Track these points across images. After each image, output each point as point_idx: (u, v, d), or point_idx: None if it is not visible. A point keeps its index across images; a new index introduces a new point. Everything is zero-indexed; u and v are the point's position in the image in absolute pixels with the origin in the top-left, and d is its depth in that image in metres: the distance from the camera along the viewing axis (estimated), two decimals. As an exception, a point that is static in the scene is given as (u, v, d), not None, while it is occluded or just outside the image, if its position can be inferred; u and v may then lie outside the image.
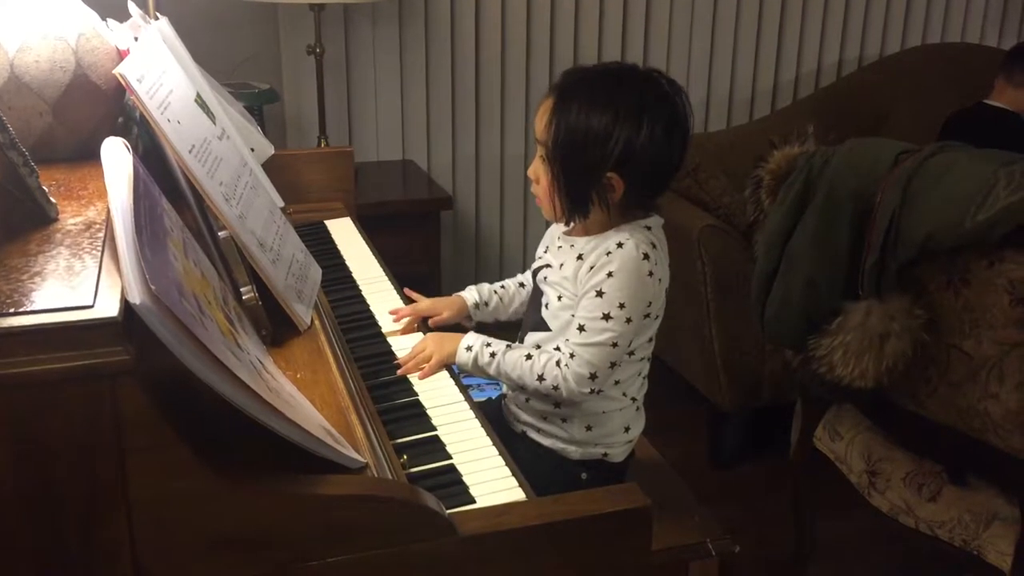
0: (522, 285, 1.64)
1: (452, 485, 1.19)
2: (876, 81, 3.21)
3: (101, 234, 0.99)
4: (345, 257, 1.87)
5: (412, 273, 2.21)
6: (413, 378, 1.43)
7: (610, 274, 1.38)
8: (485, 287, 1.65)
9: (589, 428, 1.49)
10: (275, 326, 1.28)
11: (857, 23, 3.36)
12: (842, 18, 3.34)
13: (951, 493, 1.72)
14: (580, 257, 1.43)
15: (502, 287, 1.65)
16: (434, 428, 1.31)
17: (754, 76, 3.31)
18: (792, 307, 1.71)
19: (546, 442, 1.51)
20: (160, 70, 1.25)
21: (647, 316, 1.43)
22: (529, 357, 1.43)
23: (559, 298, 1.46)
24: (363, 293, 1.71)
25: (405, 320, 1.59)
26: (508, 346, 1.46)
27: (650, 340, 1.48)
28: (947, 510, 1.72)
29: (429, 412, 1.35)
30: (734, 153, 2.77)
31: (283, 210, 1.56)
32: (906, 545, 1.85)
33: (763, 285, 1.77)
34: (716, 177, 2.55)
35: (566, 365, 1.40)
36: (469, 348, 1.45)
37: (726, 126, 3.28)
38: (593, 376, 1.40)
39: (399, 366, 1.44)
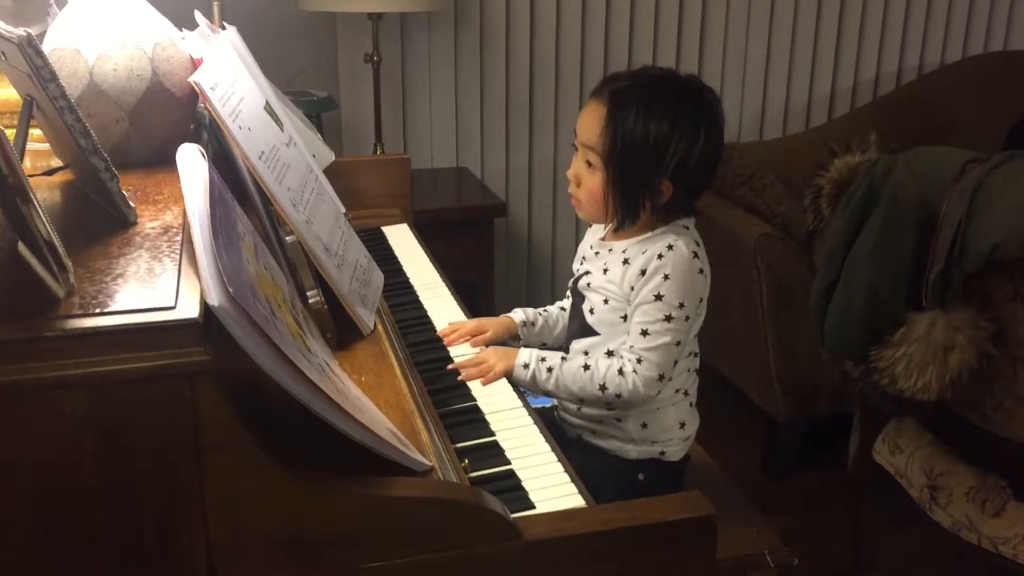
0: (563, 309, 1.66)
1: (512, 490, 1.19)
2: (937, 90, 3.16)
3: (179, 238, 1.02)
4: (402, 263, 1.89)
5: (466, 279, 2.23)
6: (471, 384, 1.44)
7: (666, 276, 1.41)
8: (530, 310, 1.66)
9: (645, 425, 1.50)
10: (339, 330, 1.30)
11: (917, 31, 3.32)
12: (902, 26, 3.29)
13: (1016, 509, 1.69)
14: (626, 261, 1.45)
15: (545, 311, 1.66)
16: (493, 433, 1.32)
17: (811, 84, 3.28)
18: (853, 317, 1.69)
19: (603, 444, 1.53)
20: (232, 78, 1.28)
21: (697, 312, 1.46)
22: (587, 367, 1.44)
23: (605, 301, 1.48)
24: (420, 299, 1.73)
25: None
26: (563, 358, 1.47)
27: (695, 336, 1.51)
28: (1011, 526, 1.68)
29: (488, 417, 1.36)
30: (791, 161, 2.75)
31: (344, 216, 1.59)
32: (968, 561, 1.82)
33: (823, 295, 1.75)
34: (772, 185, 2.53)
35: (633, 371, 1.41)
36: (526, 366, 1.46)
37: (782, 134, 3.26)
38: (662, 377, 1.43)
39: (457, 371, 1.45)
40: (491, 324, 1.59)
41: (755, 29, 3.16)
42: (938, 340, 1.56)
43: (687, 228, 1.47)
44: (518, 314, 1.64)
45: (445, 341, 1.56)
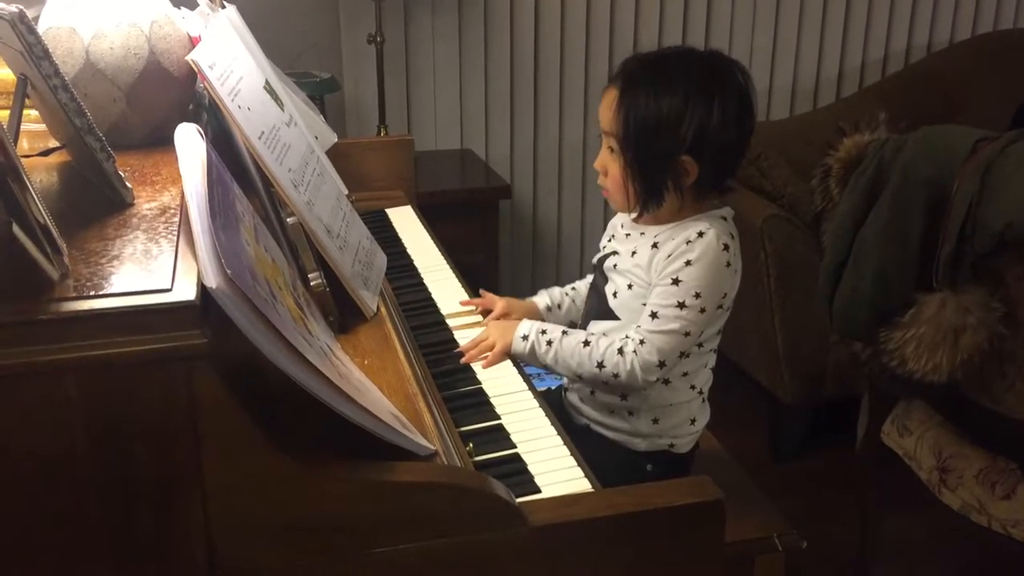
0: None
1: (517, 474, 1.18)
2: (947, 68, 3.12)
3: (176, 219, 1.00)
4: (406, 245, 1.88)
5: (471, 261, 2.21)
6: (476, 366, 1.43)
7: (688, 263, 1.37)
8: (556, 290, 1.64)
9: (656, 421, 1.47)
10: (342, 313, 1.28)
11: (926, 8, 3.27)
12: (911, 3, 3.25)
13: (1026, 492, 1.67)
14: (655, 246, 1.41)
15: (573, 289, 1.64)
16: (498, 417, 1.31)
17: (819, 63, 3.24)
18: (862, 299, 1.67)
19: (611, 435, 1.50)
20: (231, 57, 1.26)
21: (720, 307, 1.41)
22: (587, 344, 1.41)
23: (629, 286, 1.45)
24: (424, 281, 1.72)
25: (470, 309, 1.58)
26: (564, 332, 1.45)
27: (719, 332, 1.47)
28: (1021, 508, 1.67)
29: (492, 401, 1.35)
30: (798, 141, 2.72)
31: (347, 197, 1.57)
32: (977, 544, 1.80)
33: (832, 276, 1.73)
34: (780, 166, 2.51)
35: (633, 351, 1.38)
36: (525, 337, 1.44)
37: (789, 114, 3.22)
38: (661, 364, 1.38)
39: (462, 354, 1.44)
40: (518, 308, 1.58)
41: (762, 6, 3.12)
42: (949, 321, 1.54)
43: (724, 219, 1.43)
44: (543, 298, 1.63)
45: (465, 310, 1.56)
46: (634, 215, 1.47)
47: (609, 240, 1.53)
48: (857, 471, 2.04)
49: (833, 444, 2.44)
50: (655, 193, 1.40)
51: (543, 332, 1.44)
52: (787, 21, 3.16)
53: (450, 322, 1.56)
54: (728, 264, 1.39)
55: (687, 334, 1.38)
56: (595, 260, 1.55)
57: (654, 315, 1.38)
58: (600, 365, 1.40)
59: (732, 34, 3.12)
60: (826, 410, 2.48)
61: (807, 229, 2.33)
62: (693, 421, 1.50)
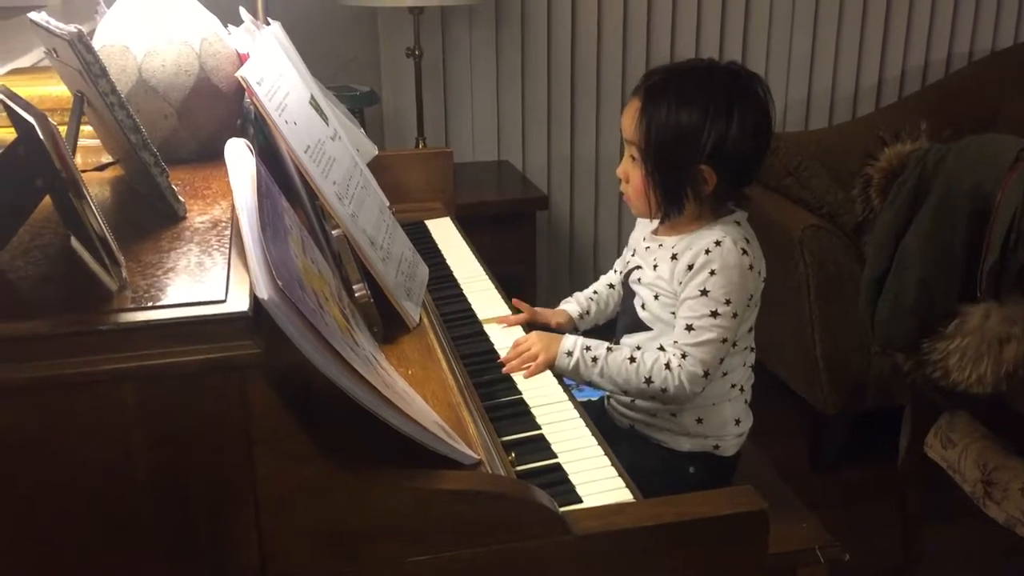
0: (611, 286, 1.68)
1: (558, 484, 1.19)
2: (987, 77, 3.09)
3: (227, 232, 1.02)
4: (445, 256, 1.90)
5: (508, 272, 2.22)
6: (516, 377, 1.44)
7: (712, 272, 1.40)
8: (581, 297, 1.68)
9: (700, 420, 1.50)
10: (385, 323, 1.30)
11: (967, 17, 3.24)
12: (951, 12, 3.22)
13: (1074, 505, 1.64)
14: (675, 257, 1.44)
15: (595, 292, 1.68)
16: (539, 427, 1.31)
17: (857, 72, 3.22)
18: (904, 309, 1.66)
19: (655, 435, 1.52)
20: (277, 73, 1.28)
21: (748, 306, 1.45)
22: (633, 360, 1.43)
23: (656, 297, 1.48)
24: (464, 292, 1.73)
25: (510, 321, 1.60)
26: (608, 348, 1.46)
27: (750, 329, 1.49)
28: (1069, 523, 1.64)
29: (533, 411, 1.35)
30: (837, 151, 2.70)
31: (389, 209, 1.59)
32: (1022, 557, 1.78)
33: (873, 286, 1.72)
34: (819, 175, 2.50)
35: (679, 366, 1.40)
36: (569, 353, 1.45)
37: (828, 124, 3.21)
38: (706, 374, 1.41)
39: (503, 364, 1.45)
40: (561, 316, 1.63)
41: (800, 15, 3.11)
42: (993, 332, 1.53)
43: (739, 224, 1.46)
44: (572, 307, 1.66)
45: (504, 326, 1.58)
46: (654, 225, 1.52)
47: (632, 254, 1.57)
48: (898, 482, 2.02)
49: (873, 454, 2.42)
50: (675, 201, 1.44)
51: (587, 349, 1.45)
52: (826, 30, 3.15)
53: (486, 321, 1.58)
54: (751, 267, 1.42)
55: (724, 340, 1.41)
56: (622, 277, 1.59)
57: (690, 328, 1.41)
58: (648, 380, 1.42)
59: (770, 43, 3.12)
60: (866, 420, 2.46)
61: (847, 239, 2.32)
62: (738, 422, 1.52)
